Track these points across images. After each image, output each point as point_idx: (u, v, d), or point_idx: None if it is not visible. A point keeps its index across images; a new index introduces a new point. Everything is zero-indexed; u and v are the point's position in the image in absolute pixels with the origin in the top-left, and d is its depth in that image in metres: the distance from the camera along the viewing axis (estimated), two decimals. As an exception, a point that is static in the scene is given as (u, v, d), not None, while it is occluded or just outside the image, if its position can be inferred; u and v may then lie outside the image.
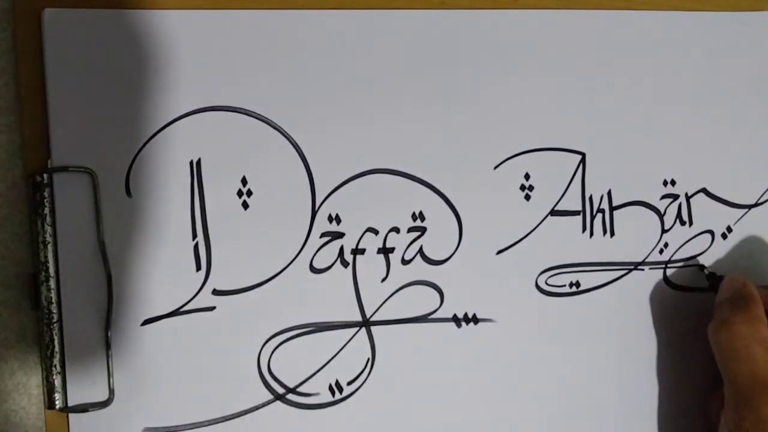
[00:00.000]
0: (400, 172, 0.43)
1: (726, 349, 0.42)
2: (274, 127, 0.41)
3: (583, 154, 0.45)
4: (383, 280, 0.43)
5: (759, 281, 0.45)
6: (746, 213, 0.48)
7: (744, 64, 0.48)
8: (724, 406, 0.43)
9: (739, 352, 0.42)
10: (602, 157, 0.46)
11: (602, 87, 0.46)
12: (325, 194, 0.42)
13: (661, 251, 0.47)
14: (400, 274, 0.43)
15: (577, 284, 0.45)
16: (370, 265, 0.42)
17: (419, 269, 0.43)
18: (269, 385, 0.41)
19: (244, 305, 0.41)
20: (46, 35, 0.38)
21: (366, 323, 0.42)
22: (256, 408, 0.41)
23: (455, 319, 0.44)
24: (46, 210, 0.38)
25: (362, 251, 0.42)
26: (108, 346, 0.39)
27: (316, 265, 0.42)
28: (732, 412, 0.41)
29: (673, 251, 0.47)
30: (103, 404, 0.38)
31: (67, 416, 0.38)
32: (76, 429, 0.38)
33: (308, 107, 0.41)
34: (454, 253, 0.44)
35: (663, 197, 0.47)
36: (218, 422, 0.40)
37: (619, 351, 0.46)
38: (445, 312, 0.43)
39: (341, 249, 0.42)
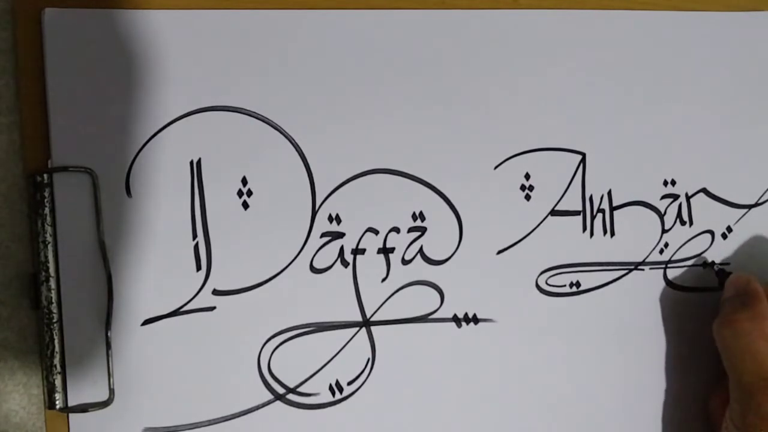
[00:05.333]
0: (400, 172, 0.43)
1: (730, 346, 0.42)
2: (274, 127, 0.41)
3: (583, 154, 0.45)
4: (383, 280, 0.43)
5: (760, 281, 0.45)
6: (746, 213, 0.48)
7: (744, 64, 0.48)
8: (726, 404, 0.43)
9: (743, 349, 0.42)
10: (602, 157, 0.46)
11: (602, 87, 0.46)
12: (325, 194, 0.42)
13: (661, 251, 0.47)
14: (400, 274, 0.43)
15: (578, 284, 0.45)
16: (370, 265, 0.42)
17: (419, 269, 0.43)
18: (269, 385, 0.41)
19: (244, 305, 0.41)
20: (46, 35, 0.38)
21: (366, 323, 0.42)
22: (256, 408, 0.41)
23: (455, 319, 0.43)
24: (46, 210, 0.38)
25: (362, 251, 0.42)
26: (108, 346, 0.39)
27: (316, 265, 0.42)
28: (737, 408, 0.42)
29: (674, 251, 0.47)
30: (103, 404, 0.38)
31: (67, 416, 0.38)
32: (76, 429, 0.38)
33: (308, 107, 0.41)
34: (454, 253, 0.44)
35: (663, 197, 0.47)
36: (218, 422, 0.40)
37: (619, 351, 0.46)
38: (445, 312, 0.43)
39: (341, 249, 0.42)
